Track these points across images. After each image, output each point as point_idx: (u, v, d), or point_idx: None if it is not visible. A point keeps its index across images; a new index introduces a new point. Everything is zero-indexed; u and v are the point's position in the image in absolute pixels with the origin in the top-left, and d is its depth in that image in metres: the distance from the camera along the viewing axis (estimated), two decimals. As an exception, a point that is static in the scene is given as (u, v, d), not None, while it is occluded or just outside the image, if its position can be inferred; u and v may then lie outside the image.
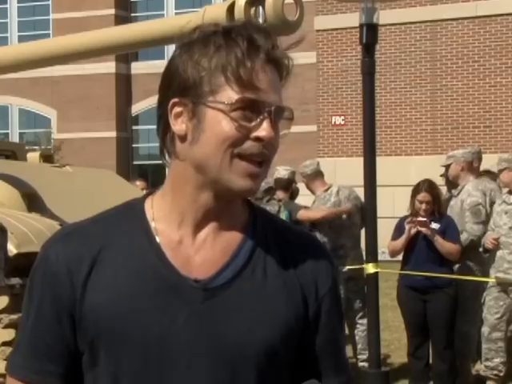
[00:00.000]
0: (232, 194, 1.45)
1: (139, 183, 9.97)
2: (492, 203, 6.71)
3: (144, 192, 1.69)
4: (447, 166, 7.11)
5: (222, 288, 1.45)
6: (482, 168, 7.38)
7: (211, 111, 1.41)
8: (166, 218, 1.48)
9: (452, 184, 7.18)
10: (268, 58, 1.43)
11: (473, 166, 7.07)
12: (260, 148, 1.42)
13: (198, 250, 1.47)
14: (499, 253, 6.48)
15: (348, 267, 6.99)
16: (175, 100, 1.44)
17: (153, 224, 1.48)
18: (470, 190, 6.77)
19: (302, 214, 7.19)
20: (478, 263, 6.69)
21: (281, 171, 7.52)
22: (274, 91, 1.44)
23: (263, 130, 1.41)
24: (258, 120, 1.41)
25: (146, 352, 1.42)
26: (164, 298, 1.43)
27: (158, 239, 1.46)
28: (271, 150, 1.44)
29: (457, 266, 6.62)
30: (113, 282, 1.44)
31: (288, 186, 7.55)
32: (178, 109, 1.44)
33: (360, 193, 6.16)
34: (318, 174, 7.29)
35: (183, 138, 1.44)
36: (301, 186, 8.27)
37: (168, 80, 1.46)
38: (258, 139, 1.42)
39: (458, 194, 6.85)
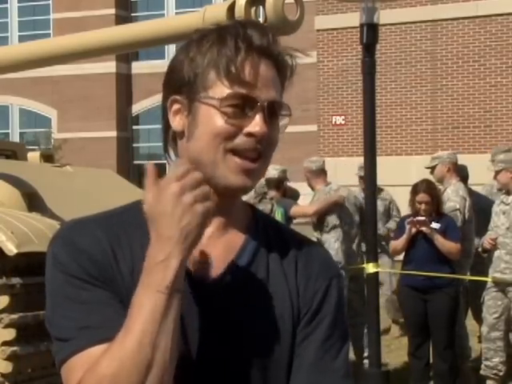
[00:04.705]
0: (228, 190, 1.44)
1: None
2: None
3: None
4: (432, 168, 7.11)
5: (226, 287, 1.44)
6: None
7: (204, 107, 1.42)
8: None
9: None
10: (263, 54, 1.42)
11: (458, 167, 7.09)
12: (253, 143, 1.41)
13: (202, 248, 1.45)
14: (496, 253, 6.50)
15: (350, 267, 7.01)
16: (173, 97, 1.46)
17: None
18: (450, 195, 6.81)
19: (294, 211, 7.28)
20: (457, 267, 6.66)
21: (271, 171, 7.54)
22: (268, 87, 1.43)
23: (255, 125, 1.40)
24: (250, 115, 1.41)
25: None
26: None
27: None
28: (266, 146, 1.43)
29: None
30: (129, 273, 1.41)
31: (279, 184, 7.62)
32: (176, 106, 1.46)
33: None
34: (321, 172, 7.38)
35: (181, 135, 1.46)
36: (300, 186, 8.27)
37: (167, 79, 1.49)
38: (250, 135, 1.41)
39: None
